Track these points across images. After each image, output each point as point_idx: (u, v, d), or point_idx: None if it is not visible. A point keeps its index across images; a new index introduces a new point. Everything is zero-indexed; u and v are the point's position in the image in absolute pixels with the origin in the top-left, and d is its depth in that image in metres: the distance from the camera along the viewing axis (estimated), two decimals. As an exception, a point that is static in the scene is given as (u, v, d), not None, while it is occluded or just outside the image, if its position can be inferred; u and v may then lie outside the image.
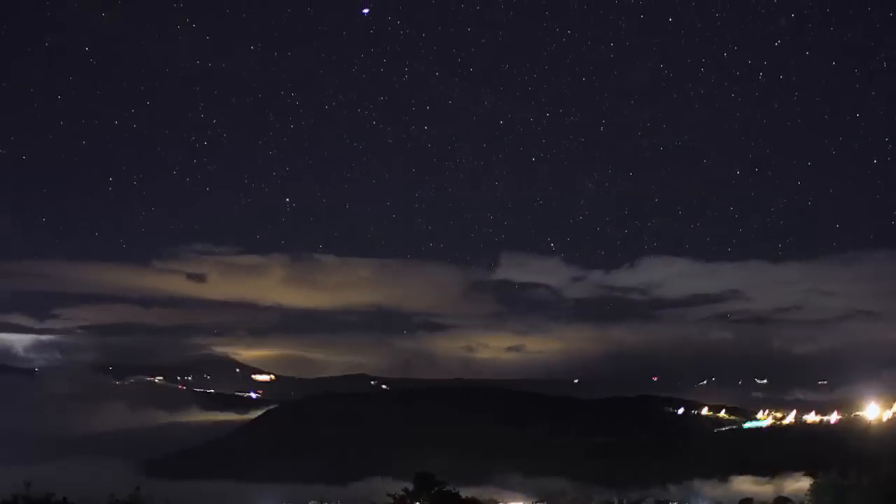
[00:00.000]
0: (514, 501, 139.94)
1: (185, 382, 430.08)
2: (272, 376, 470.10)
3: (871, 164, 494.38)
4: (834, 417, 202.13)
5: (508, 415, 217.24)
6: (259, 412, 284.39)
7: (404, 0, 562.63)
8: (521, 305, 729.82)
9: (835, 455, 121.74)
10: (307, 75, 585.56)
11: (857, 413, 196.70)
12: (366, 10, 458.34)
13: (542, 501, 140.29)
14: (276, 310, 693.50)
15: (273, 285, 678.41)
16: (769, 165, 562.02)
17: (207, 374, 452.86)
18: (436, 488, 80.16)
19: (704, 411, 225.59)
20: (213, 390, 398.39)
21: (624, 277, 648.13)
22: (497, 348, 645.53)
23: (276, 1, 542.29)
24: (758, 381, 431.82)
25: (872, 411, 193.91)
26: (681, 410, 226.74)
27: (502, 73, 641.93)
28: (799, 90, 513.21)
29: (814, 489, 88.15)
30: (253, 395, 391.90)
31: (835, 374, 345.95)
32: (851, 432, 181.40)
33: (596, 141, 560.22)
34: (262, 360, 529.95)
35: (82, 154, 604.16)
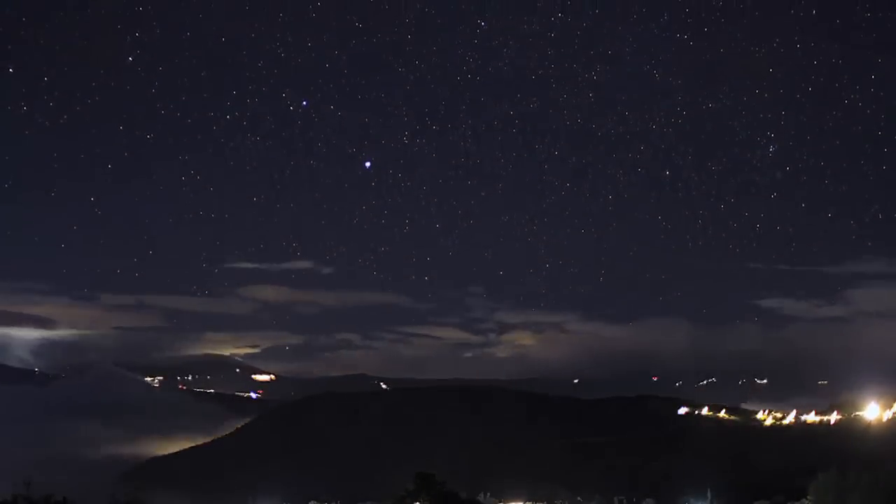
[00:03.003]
0: (514, 501, 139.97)
1: (185, 382, 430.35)
2: (272, 376, 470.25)
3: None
4: (834, 417, 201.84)
5: (508, 415, 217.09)
6: (259, 412, 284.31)
7: (405, 153, 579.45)
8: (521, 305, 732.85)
9: (835, 455, 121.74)
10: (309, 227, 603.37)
11: (857, 413, 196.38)
12: (367, 164, 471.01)
13: (541, 501, 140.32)
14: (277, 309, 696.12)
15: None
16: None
17: (207, 375, 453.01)
18: (436, 488, 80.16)
19: (704, 411, 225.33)
20: (212, 390, 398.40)
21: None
22: (497, 348, 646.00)
23: (277, 152, 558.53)
24: (758, 381, 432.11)
25: (872, 411, 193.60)
26: (681, 410, 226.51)
27: (501, 224, 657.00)
28: None
29: (814, 489, 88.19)
30: (253, 395, 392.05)
31: (835, 375, 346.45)
32: (851, 432, 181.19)
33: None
34: (262, 360, 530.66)
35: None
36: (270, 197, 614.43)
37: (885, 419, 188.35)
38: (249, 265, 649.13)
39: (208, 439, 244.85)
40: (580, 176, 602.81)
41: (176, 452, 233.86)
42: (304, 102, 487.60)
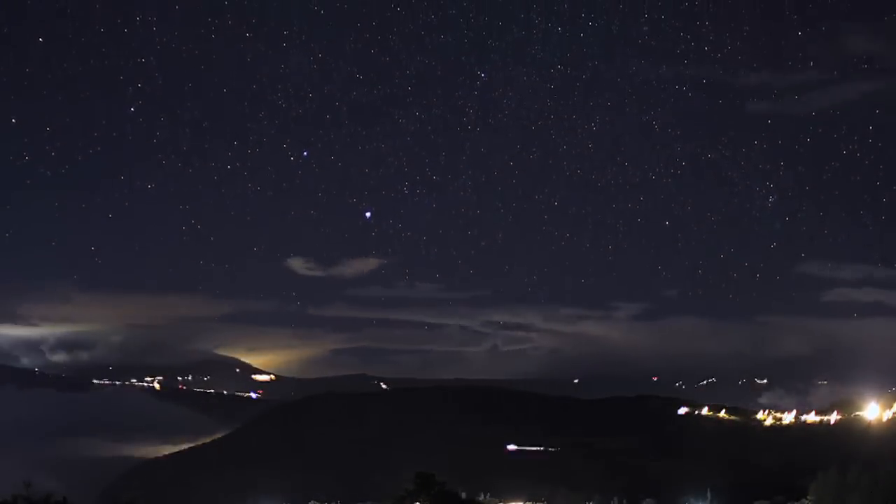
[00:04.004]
0: (513, 501, 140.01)
1: (185, 383, 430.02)
2: (272, 376, 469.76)
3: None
4: (834, 417, 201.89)
5: (508, 415, 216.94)
6: (259, 412, 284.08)
7: (405, 204, 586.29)
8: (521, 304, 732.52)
9: (835, 455, 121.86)
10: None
11: (857, 413, 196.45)
12: (368, 214, 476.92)
13: (541, 501, 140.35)
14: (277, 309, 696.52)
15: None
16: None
17: (207, 375, 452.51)
18: (436, 488, 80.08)
19: (704, 411, 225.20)
20: (213, 390, 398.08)
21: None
22: (498, 348, 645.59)
23: (278, 202, 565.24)
24: (758, 381, 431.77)
25: (872, 411, 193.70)
26: (681, 410, 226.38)
27: (502, 275, 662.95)
28: None
29: (814, 489, 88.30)
30: (253, 395, 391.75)
31: (835, 375, 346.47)
32: (851, 432, 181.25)
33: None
34: (262, 360, 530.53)
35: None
36: (271, 246, 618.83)
37: (885, 419, 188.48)
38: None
39: (208, 439, 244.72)
40: (580, 226, 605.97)
41: (176, 452, 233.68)
42: (305, 153, 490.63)
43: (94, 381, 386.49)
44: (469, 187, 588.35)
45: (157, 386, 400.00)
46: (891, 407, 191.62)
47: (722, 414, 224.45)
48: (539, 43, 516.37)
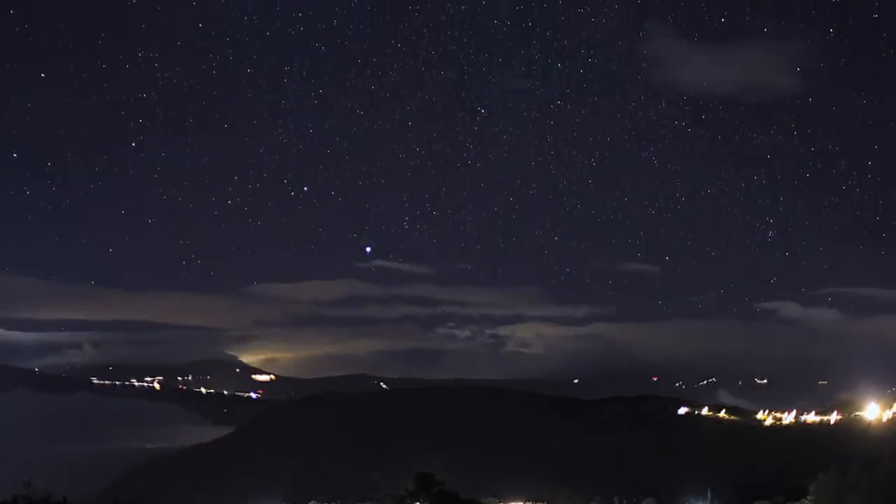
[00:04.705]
0: (513, 501, 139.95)
1: (185, 383, 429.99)
2: (272, 376, 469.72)
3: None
4: (834, 417, 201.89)
5: (508, 415, 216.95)
6: (259, 412, 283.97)
7: (405, 238, 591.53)
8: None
9: (835, 455, 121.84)
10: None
11: (857, 413, 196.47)
12: (368, 249, 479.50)
13: (541, 501, 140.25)
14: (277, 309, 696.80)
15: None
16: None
17: (207, 375, 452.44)
18: (436, 488, 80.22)
19: (704, 411, 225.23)
20: (213, 390, 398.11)
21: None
22: (497, 348, 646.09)
23: (278, 237, 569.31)
24: (758, 381, 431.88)
25: (872, 411, 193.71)
26: (681, 410, 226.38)
27: (502, 311, 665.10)
28: None
29: (814, 489, 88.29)
30: (253, 395, 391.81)
31: (835, 375, 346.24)
32: (851, 432, 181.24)
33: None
34: (262, 360, 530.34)
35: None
36: (272, 280, 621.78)
37: (885, 419, 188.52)
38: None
39: (208, 439, 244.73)
40: (581, 261, 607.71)
41: (176, 453, 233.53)
42: (305, 188, 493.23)
43: (95, 381, 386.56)
44: (469, 222, 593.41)
45: (156, 386, 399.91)
46: (891, 407, 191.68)
47: (722, 414, 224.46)
48: (539, 79, 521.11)
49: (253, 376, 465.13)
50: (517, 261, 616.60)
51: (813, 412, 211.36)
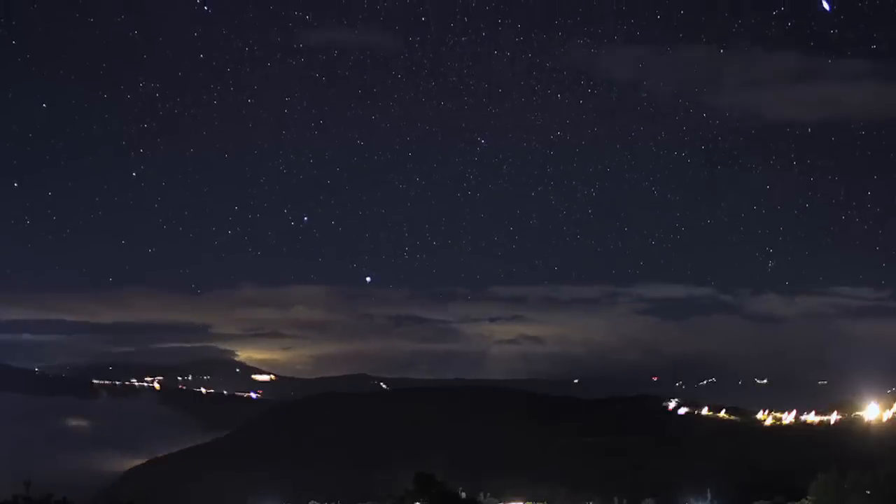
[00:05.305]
0: (513, 501, 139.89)
1: (185, 382, 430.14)
2: (272, 376, 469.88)
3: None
4: (834, 417, 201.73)
5: (508, 415, 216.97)
6: (258, 412, 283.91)
7: (406, 269, 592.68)
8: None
9: (835, 455, 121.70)
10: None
11: (857, 413, 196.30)
12: (368, 279, 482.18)
13: (541, 501, 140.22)
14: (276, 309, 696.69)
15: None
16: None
17: (207, 375, 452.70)
18: (436, 488, 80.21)
19: (704, 411, 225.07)
20: (212, 390, 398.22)
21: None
22: (497, 348, 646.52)
23: (278, 267, 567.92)
24: (758, 381, 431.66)
25: (872, 411, 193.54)
26: (681, 410, 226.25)
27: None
28: None
29: (814, 489, 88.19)
30: (253, 395, 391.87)
31: (835, 375, 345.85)
32: (851, 432, 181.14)
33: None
34: (262, 360, 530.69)
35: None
36: (273, 311, 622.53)
37: (885, 419, 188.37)
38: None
39: (208, 439, 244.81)
40: (581, 291, 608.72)
41: (175, 452, 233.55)
42: (305, 218, 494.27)
43: (94, 382, 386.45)
44: (469, 252, 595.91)
45: (156, 386, 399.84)
46: (891, 407, 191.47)
47: (722, 414, 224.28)
48: (538, 109, 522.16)
49: (253, 376, 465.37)
50: (518, 290, 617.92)
51: (813, 412, 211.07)
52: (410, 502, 79.88)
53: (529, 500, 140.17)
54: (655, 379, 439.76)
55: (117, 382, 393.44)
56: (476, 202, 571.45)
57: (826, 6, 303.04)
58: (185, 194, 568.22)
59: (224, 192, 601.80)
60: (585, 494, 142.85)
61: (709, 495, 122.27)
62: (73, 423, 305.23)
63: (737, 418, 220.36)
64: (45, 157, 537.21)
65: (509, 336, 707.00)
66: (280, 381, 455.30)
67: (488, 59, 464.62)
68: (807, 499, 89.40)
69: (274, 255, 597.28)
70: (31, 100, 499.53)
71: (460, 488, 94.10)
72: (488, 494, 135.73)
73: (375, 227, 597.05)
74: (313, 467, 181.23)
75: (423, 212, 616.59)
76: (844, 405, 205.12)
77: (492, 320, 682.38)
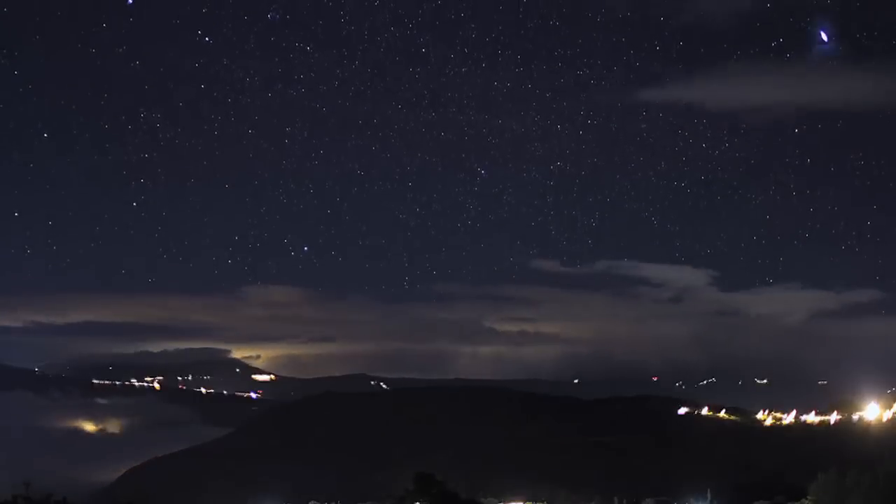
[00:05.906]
0: (513, 501, 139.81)
1: (185, 383, 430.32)
2: (272, 376, 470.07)
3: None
4: (834, 417, 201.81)
5: (508, 415, 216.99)
6: (258, 412, 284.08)
7: (405, 300, 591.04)
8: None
9: (835, 455, 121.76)
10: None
11: (857, 413, 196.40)
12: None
13: (541, 501, 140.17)
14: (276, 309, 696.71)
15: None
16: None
17: (207, 375, 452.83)
18: (436, 488, 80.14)
19: (704, 411, 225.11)
20: (212, 390, 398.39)
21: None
22: (497, 348, 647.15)
23: (279, 297, 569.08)
24: (758, 381, 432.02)
25: (872, 411, 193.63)
26: (681, 410, 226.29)
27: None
28: None
29: (814, 489, 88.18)
30: (253, 395, 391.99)
31: (835, 375, 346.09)
32: (851, 432, 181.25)
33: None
34: (262, 360, 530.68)
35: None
36: (273, 338, 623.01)
37: (885, 419, 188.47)
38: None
39: (208, 439, 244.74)
40: (581, 321, 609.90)
41: (175, 452, 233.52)
42: (305, 248, 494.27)
43: (95, 381, 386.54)
44: (469, 283, 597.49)
45: (156, 386, 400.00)
46: (891, 407, 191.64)
47: (722, 414, 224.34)
48: (538, 140, 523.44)
49: (253, 376, 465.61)
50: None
51: (813, 412, 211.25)
52: (410, 502, 79.80)
53: (529, 500, 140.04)
54: (655, 379, 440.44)
55: (117, 382, 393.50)
56: (476, 233, 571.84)
57: (824, 37, 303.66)
58: (185, 224, 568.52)
59: (224, 222, 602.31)
60: (585, 494, 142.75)
61: (709, 495, 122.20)
62: (74, 423, 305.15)
63: (737, 418, 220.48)
64: (46, 187, 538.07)
65: (509, 336, 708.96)
66: (280, 381, 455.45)
67: (488, 90, 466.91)
68: (807, 499, 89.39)
69: (274, 284, 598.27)
70: (32, 129, 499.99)
71: (460, 488, 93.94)
72: (488, 494, 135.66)
73: (375, 257, 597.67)
74: (313, 467, 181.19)
75: (423, 242, 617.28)
76: (844, 405, 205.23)
77: (492, 320, 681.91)
